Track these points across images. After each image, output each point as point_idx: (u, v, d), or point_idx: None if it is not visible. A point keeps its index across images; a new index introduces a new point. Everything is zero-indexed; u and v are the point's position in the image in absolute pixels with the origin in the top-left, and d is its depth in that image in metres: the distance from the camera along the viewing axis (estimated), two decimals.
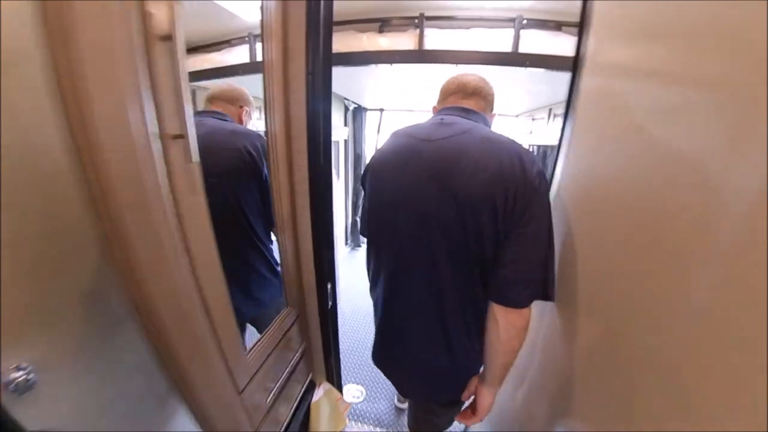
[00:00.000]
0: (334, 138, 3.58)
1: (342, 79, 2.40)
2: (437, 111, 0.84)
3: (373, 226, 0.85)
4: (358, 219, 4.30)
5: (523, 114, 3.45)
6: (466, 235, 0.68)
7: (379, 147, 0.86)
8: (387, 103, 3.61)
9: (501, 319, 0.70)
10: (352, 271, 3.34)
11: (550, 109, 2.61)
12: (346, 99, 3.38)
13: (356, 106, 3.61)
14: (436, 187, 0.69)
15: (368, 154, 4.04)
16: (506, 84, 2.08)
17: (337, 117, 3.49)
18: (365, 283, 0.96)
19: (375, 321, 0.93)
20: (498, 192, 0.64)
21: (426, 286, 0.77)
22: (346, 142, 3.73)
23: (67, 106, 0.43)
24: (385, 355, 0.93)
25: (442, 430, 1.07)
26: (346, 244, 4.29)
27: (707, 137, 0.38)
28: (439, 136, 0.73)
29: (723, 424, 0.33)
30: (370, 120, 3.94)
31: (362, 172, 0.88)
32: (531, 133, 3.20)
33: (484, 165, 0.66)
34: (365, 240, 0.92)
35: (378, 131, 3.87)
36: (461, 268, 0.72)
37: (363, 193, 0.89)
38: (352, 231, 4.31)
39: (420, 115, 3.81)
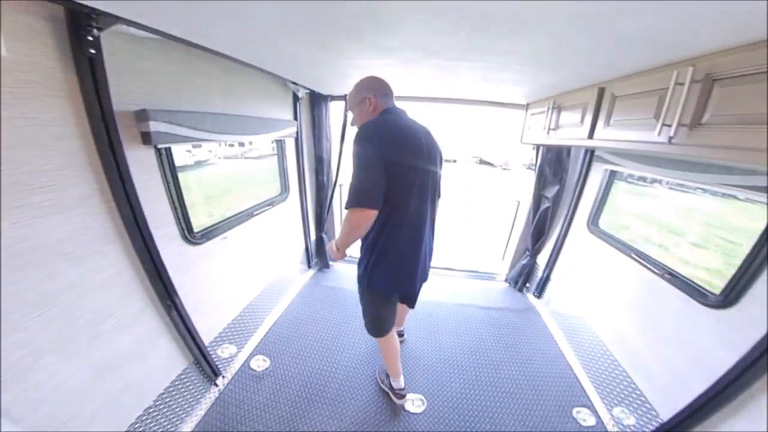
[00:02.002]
0: (276, 136, 2.72)
1: (281, 55, 1.54)
2: (389, 107, 1.47)
3: (404, 187, 1.34)
4: (324, 235, 3.47)
5: (538, 102, 2.39)
6: (439, 183, 1.60)
7: (383, 132, 1.32)
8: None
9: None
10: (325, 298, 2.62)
11: (602, 89, 1.51)
12: (293, 83, 2.49)
13: (309, 91, 2.71)
14: (433, 157, 1.45)
15: (334, 156, 3.13)
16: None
17: (284, 108, 2.62)
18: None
19: (400, 262, 1.49)
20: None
21: (430, 218, 1.55)
22: (297, 141, 2.85)
23: None
24: (418, 275, 1.56)
25: None
26: (310, 266, 3.49)
27: None
28: (418, 126, 1.45)
29: None
30: (335, 112, 3.02)
31: (380, 150, 1.28)
32: (556, 129, 2.02)
33: (435, 143, 1.50)
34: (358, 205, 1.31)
35: (343, 128, 2.90)
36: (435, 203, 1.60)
37: (376, 166, 1.27)
38: (317, 250, 3.49)
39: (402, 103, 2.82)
